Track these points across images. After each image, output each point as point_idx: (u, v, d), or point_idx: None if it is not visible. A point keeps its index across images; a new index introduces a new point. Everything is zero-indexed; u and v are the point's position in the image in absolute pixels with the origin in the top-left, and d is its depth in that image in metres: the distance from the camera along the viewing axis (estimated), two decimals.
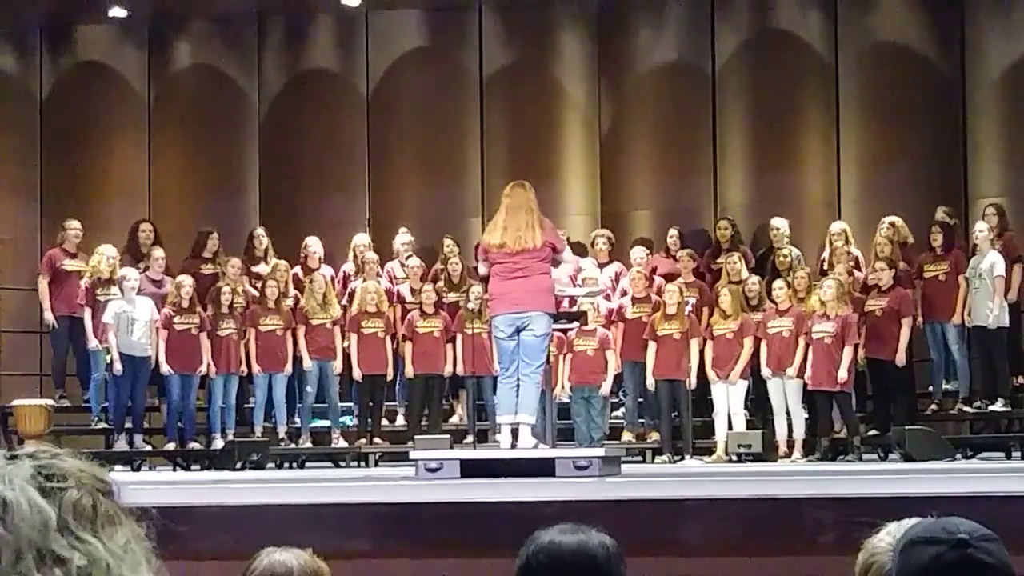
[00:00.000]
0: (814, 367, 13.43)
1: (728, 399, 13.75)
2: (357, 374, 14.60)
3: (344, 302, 14.94)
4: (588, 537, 2.74)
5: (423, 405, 14.69)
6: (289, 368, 14.56)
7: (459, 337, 14.39)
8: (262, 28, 17.54)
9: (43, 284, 14.92)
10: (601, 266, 15.01)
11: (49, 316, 14.84)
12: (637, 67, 16.83)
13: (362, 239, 15.59)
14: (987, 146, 15.80)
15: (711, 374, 13.81)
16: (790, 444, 13.57)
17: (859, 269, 14.44)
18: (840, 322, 13.37)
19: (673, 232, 15.36)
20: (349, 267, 15.46)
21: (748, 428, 13.72)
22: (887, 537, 3.06)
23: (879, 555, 3.02)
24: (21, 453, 1.64)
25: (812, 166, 16.37)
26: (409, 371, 14.57)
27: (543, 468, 9.27)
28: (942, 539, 2.16)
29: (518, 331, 10.14)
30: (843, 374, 13.34)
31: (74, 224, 15.20)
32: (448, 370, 14.58)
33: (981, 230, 13.79)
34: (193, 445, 14.41)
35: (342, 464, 14.71)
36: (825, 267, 14.42)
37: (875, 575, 2.99)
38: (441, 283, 15.02)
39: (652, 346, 13.89)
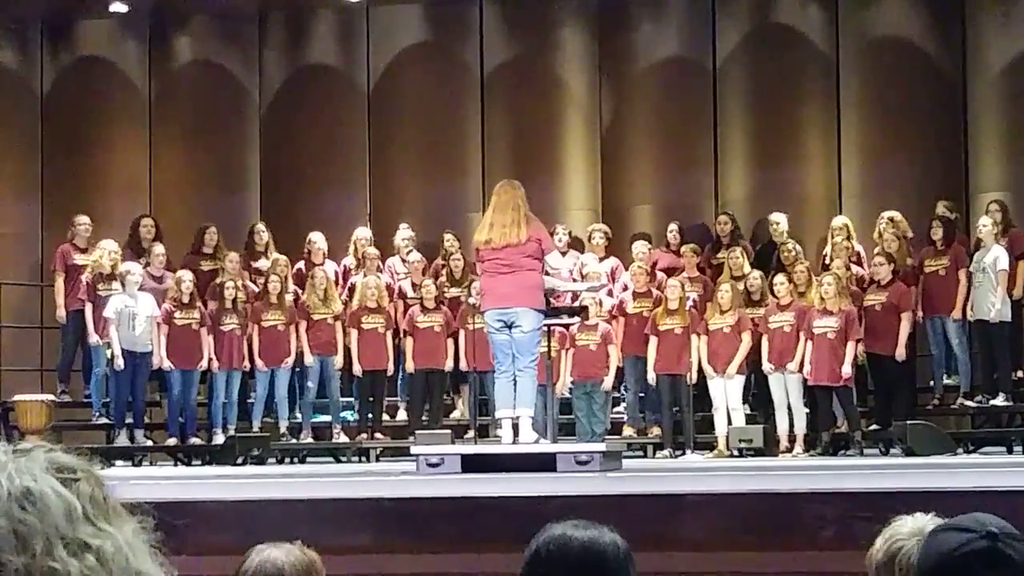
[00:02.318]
0: (816, 362, 13.42)
1: (726, 394, 13.75)
2: (357, 369, 14.60)
3: (344, 297, 14.95)
4: (600, 534, 2.75)
5: (424, 400, 14.70)
6: (290, 363, 14.57)
7: (462, 332, 14.40)
8: (263, 23, 17.55)
9: (59, 282, 14.86)
10: (598, 260, 15.00)
11: (61, 312, 14.81)
12: (638, 62, 16.83)
13: (363, 233, 15.59)
14: (987, 140, 15.80)
15: (707, 369, 13.81)
16: (791, 439, 13.57)
17: (860, 264, 14.43)
18: (843, 317, 13.37)
19: (673, 226, 15.37)
20: (349, 261, 15.46)
21: (749, 423, 13.72)
22: (908, 524, 3.11)
23: (902, 540, 3.07)
24: (22, 447, 1.65)
25: (813, 161, 16.36)
26: (410, 366, 14.58)
27: (544, 463, 9.28)
28: (972, 528, 2.23)
29: (508, 326, 10.18)
30: (847, 369, 13.34)
31: (83, 219, 15.17)
32: (449, 365, 14.60)
33: (985, 224, 13.79)
34: (194, 440, 14.42)
35: (343, 459, 14.70)
36: (827, 262, 14.42)
37: (903, 559, 3.05)
38: (443, 278, 15.03)
39: (653, 341, 13.89)
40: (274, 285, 14.55)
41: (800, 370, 13.54)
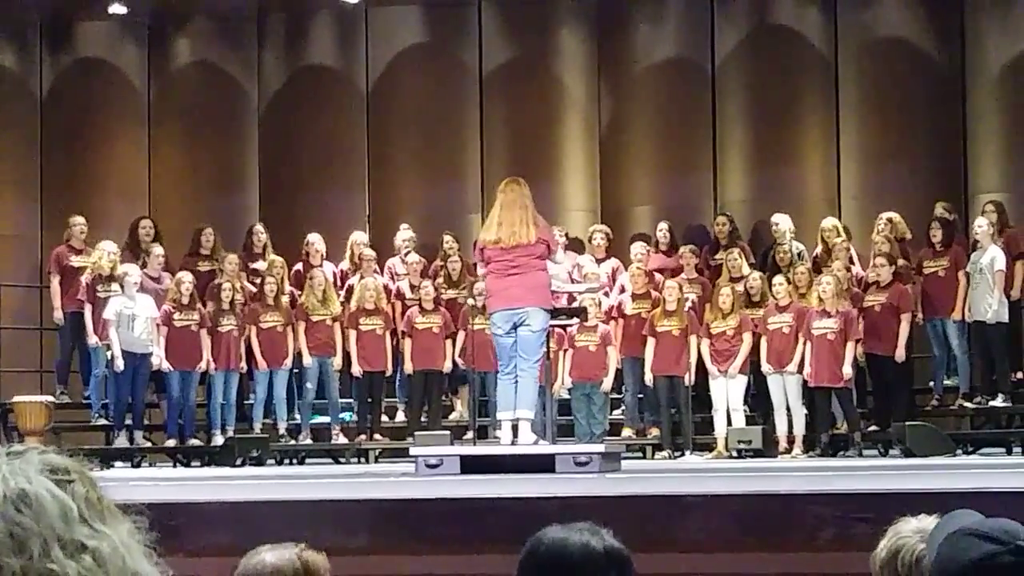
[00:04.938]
0: (816, 363, 13.42)
1: (727, 395, 13.75)
2: (356, 370, 14.60)
3: (343, 299, 14.94)
4: (601, 539, 2.74)
5: (423, 401, 14.70)
6: (289, 364, 14.57)
7: (461, 333, 14.39)
8: (262, 25, 17.55)
9: (55, 283, 14.86)
10: (598, 262, 15.00)
11: (59, 314, 14.81)
12: (637, 63, 16.83)
13: (360, 237, 15.60)
14: (986, 142, 15.80)
15: (711, 369, 13.80)
16: (790, 440, 13.57)
17: (853, 264, 14.42)
18: (842, 318, 13.37)
19: (663, 226, 15.28)
20: (346, 265, 15.45)
21: (748, 424, 13.73)
22: (912, 523, 3.13)
23: (905, 537, 3.09)
24: (16, 449, 1.65)
25: (812, 162, 16.36)
26: (408, 367, 14.57)
27: (543, 464, 9.27)
28: (1000, 539, 2.09)
29: (515, 327, 10.15)
30: (847, 370, 13.34)
31: (79, 220, 15.18)
32: (447, 366, 14.59)
33: (981, 226, 13.80)
34: (193, 442, 14.42)
35: (342, 460, 14.72)
36: (818, 262, 14.41)
37: (907, 555, 3.07)
38: (441, 280, 15.02)
39: (651, 342, 13.89)
40: (270, 287, 14.55)
41: (799, 371, 13.55)
